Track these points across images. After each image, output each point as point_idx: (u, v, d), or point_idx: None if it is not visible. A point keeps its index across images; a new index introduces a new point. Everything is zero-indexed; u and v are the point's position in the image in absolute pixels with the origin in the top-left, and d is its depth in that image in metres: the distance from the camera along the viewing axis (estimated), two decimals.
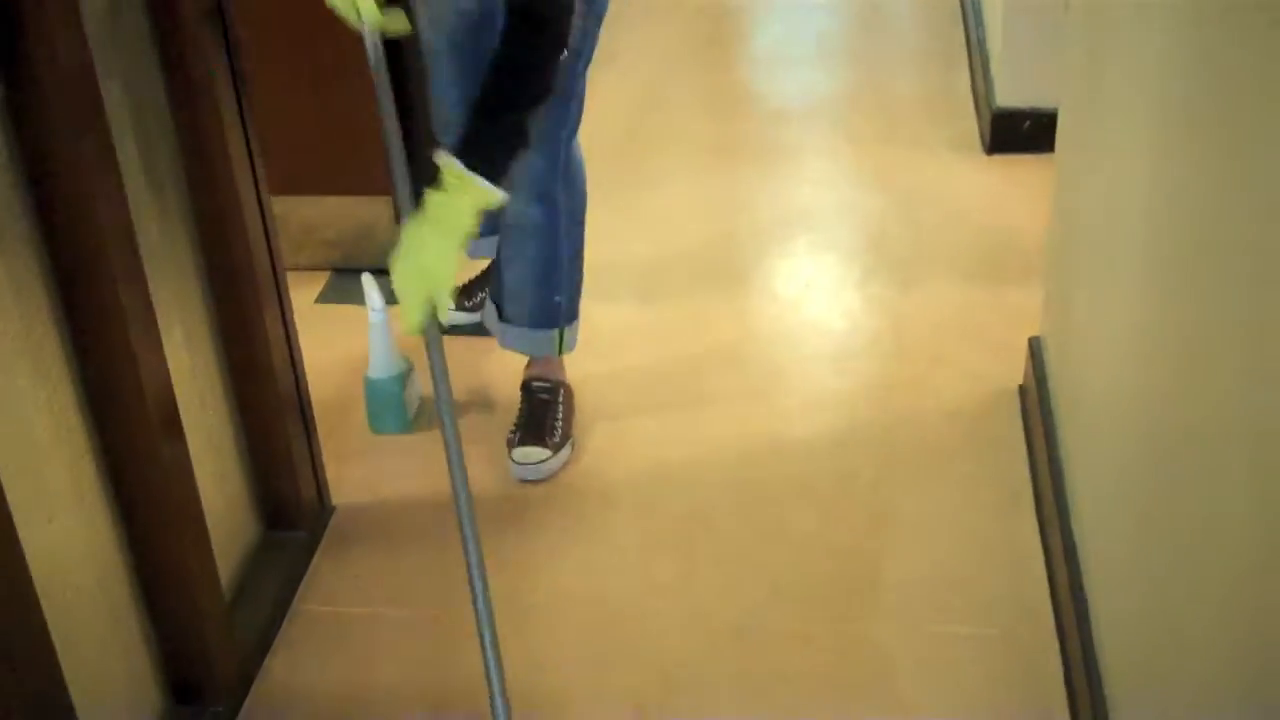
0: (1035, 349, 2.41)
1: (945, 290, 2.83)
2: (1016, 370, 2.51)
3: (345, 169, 2.85)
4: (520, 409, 2.44)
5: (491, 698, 1.64)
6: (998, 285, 2.82)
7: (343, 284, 2.87)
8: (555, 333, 2.43)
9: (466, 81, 2.24)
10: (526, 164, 2.14)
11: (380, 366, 2.43)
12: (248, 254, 1.95)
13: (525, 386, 2.48)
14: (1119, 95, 1.83)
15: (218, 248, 1.93)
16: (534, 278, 2.38)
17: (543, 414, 2.43)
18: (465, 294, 2.73)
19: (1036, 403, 2.30)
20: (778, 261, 3.01)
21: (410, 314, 1.76)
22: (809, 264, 3.00)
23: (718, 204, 3.23)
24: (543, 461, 2.36)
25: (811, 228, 3.13)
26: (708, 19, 4.27)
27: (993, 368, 2.55)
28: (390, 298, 2.43)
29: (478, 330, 2.59)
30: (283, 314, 2.07)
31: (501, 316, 2.44)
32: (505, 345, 2.47)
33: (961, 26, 3.98)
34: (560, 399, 2.45)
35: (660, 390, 2.57)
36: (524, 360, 2.50)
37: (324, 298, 2.88)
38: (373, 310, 2.39)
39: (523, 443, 2.37)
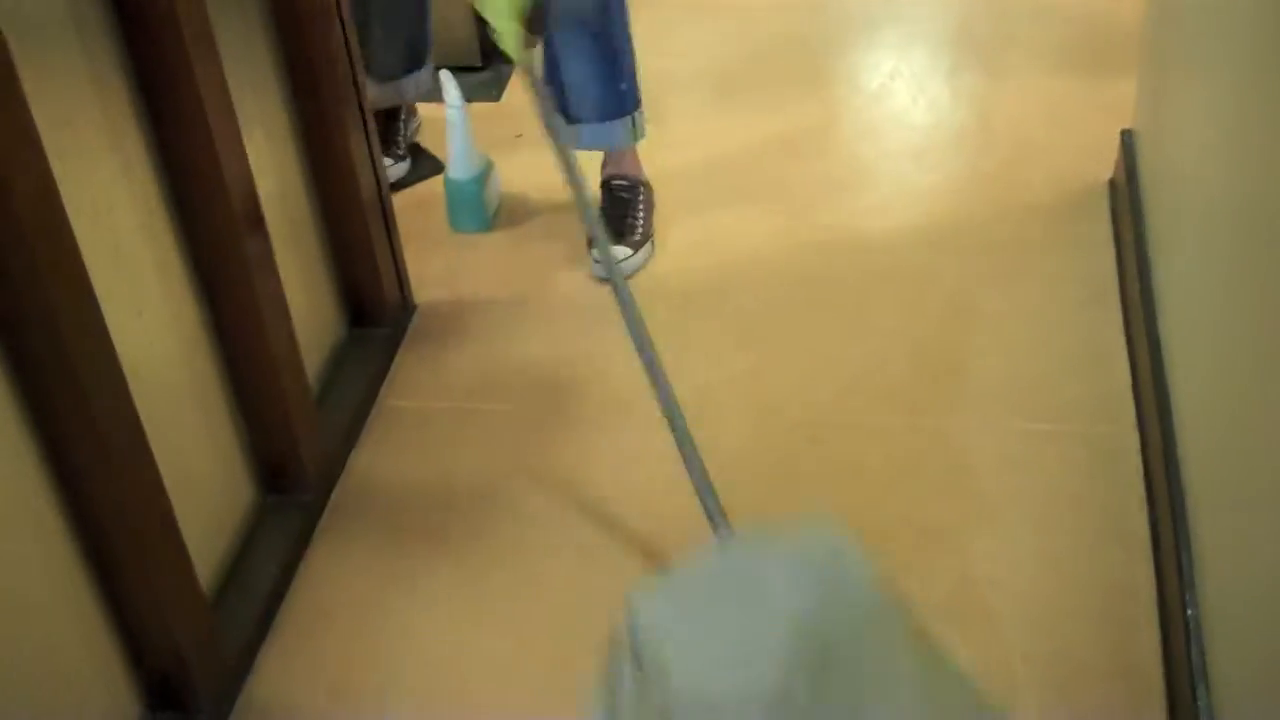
0: (1127, 142, 2.35)
1: (1035, 81, 2.75)
2: (1107, 164, 2.45)
3: None
4: (600, 208, 2.44)
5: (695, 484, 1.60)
6: (1090, 76, 2.73)
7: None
8: (629, 119, 2.42)
9: None
10: None
11: (459, 166, 2.42)
12: (326, 50, 1.93)
13: (605, 185, 2.47)
14: None
15: (296, 44, 1.91)
16: (598, 70, 2.36)
17: (623, 211, 2.43)
18: (388, 144, 2.66)
19: (1126, 197, 2.25)
20: (862, 53, 2.94)
21: (506, 40, 1.76)
22: (895, 55, 2.92)
23: None
24: (624, 260, 2.36)
25: (898, 16, 3.04)
26: None
27: (1083, 161, 2.49)
28: (469, 95, 2.43)
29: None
30: (362, 111, 2.06)
31: (570, 118, 2.41)
32: (581, 146, 2.43)
33: None
34: (640, 196, 2.44)
35: (740, 185, 2.55)
36: (599, 160, 2.48)
37: None
38: (451, 108, 2.37)
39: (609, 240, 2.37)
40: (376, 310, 2.19)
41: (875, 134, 2.66)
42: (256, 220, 1.72)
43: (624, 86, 2.39)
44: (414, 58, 2.60)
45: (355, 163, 2.04)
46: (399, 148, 2.65)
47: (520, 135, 2.70)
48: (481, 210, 2.46)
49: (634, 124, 2.43)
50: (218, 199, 1.64)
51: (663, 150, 2.46)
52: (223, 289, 1.72)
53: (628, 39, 2.38)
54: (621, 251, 2.36)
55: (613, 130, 2.42)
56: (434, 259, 2.42)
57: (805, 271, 2.34)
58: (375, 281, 2.16)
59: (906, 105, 2.74)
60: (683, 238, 2.44)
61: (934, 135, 2.65)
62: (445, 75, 2.38)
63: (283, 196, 1.94)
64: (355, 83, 2.03)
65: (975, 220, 2.41)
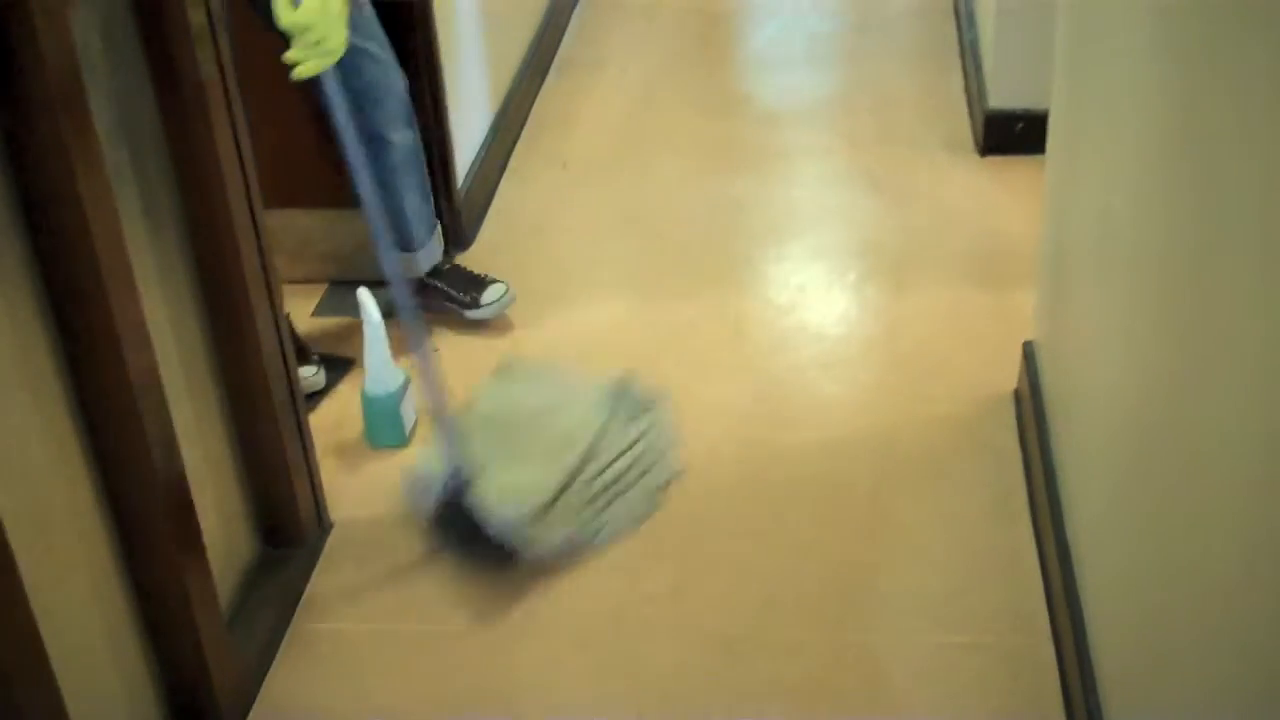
0: (1029, 353, 2.42)
1: (940, 293, 2.84)
2: (1011, 375, 2.52)
3: (341, 182, 2.85)
4: (442, 289, 2.77)
5: None
6: (992, 288, 2.83)
7: (339, 297, 2.88)
8: (439, 228, 2.78)
9: None
10: (395, 92, 2.54)
11: (377, 381, 2.43)
12: (241, 269, 1.95)
13: (435, 274, 2.77)
14: (1107, 96, 1.84)
15: (212, 264, 1.94)
16: (423, 194, 2.70)
17: (465, 272, 2.79)
18: (304, 352, 2.66)
19: (1031, 408, 2.31)
20: (772, 265, 3.02)
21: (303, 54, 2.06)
22: (803, 267, 3.00)
23: (711, 206, 3.23)
24: (507, 289, 2.75)
25: (805, 230, 3.14)
26: (702, 20, 4.27)
27: (988, 372, 2.56)
28: (386, 311, 2.46)
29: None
30: (278, 329, 2.08)
31: (411, 248, 2.71)
32: (422, 269, 2.75)
33: (954, 28, 3.98)
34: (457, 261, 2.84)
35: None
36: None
37: (320, 311, 2.88)
38: (369, 324, 2.39)
39: (481, 290, 2.76)
40: (292, 529, 2.17)
41: (786, 347, 2.72)
42: (169, 445, 1.71)
43: (431, 198, 2.74)
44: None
45: (271, 380, 2.05)
46: (312, 354, 2.65)
47: (438, 350, 2.72)
48: (399, 425, 2.47)
49: (441, 231, 2.79)
50: (130, 424, 1.63)
51: (573, 354, 2.49)
52: (134, 515, 1.70)
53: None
54: (500, 288, 2.76)
55: (437, 243, 2.77)
56: (351, 475, 2.41)
57: (721, 484, 2.36)
58: (290, 502, 2.14)
59: (816, 318, 2.81)
60: None
61: (843, 347, 2.71)
62: (364, 292, 2.41)
63: (197, 417, 1.94)
64: (271, 298, 2.05)
65: (886, 431, 2.46)
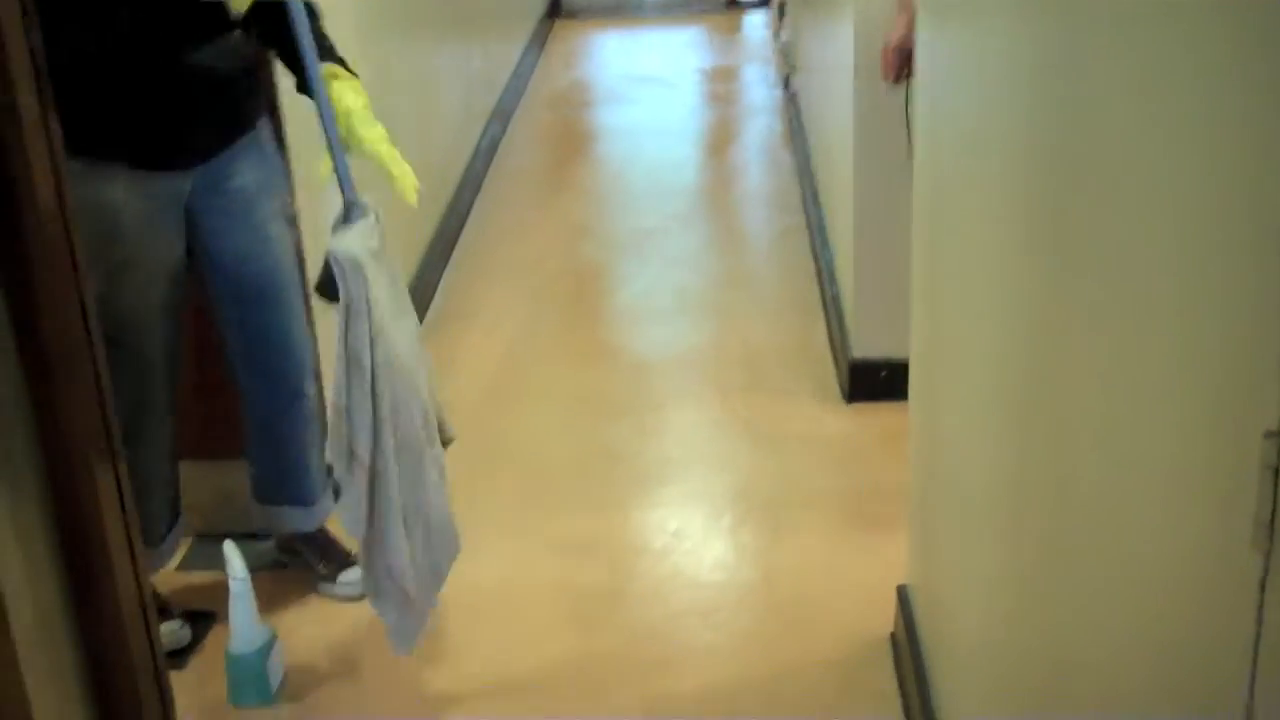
0: (904, 596, 2.43)
1: (814, 538, 2.86)
2: (887, 619, 2.52)
3: (207, 434, 2.82)
4: (306, 556, 2.71)
5: None
6: (865, 533, 2.85)
7: (204, 550, 2.80)
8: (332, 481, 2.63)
9: None
10: (307, 344, 2.55)
11: (241, 639, 2.36)
12: (100, 522, 1.89)
13: (306, 537, 2.70)
14: (960, 343, 1.90)
15: (69, 515, 1.87)
16: (321, 447, 2.56)
17: (333, 545, 2.71)
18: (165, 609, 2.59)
19: (908, 651, 2.31)
20: (646, 512, 3.02)
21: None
22: (677, 514, 3.01)
23: (584, 454, 3.25)
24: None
25: (679, 477, 3.16)
26: (571, 276, 4.37)
27: (865, 616, 2.56)
28: (253, 564, 2.40)
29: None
30: (138, 584, 2.01)
31: (309, 502, 2.66)
32: (317, 525, 2.71)
33: (816, 282, 4.13)
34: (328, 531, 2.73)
35: (528, 654, 2.53)
36: None
37: (186, 565, 2.80)
38: (234, 579, 2.33)
39: (343, 568, 2.66)
40: None
41: (661, 595, 2.70)
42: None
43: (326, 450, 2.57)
44: (174, 515, 2.61)
45: (132, 643, 1.96)
46: (173, 610, 2.57)
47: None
48: (264, 684, 2.38)
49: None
50: None
51: (453, 613, 2.43)
52: None
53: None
54: (356, 571, 2.53)
55: (330, 498, 2.66)
56: None
57: None
58: None
59: (692, 564, 2.81)
60: (473, 706, 2.39)
61: (720, 593, 2.70)
62: (229, 545, 2.35)
63: (52, 678, 1.84)
64: (132, 554, 1.99)
65: (768, 679, 2.43)
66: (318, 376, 2.63)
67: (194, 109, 2.29)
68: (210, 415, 2.80)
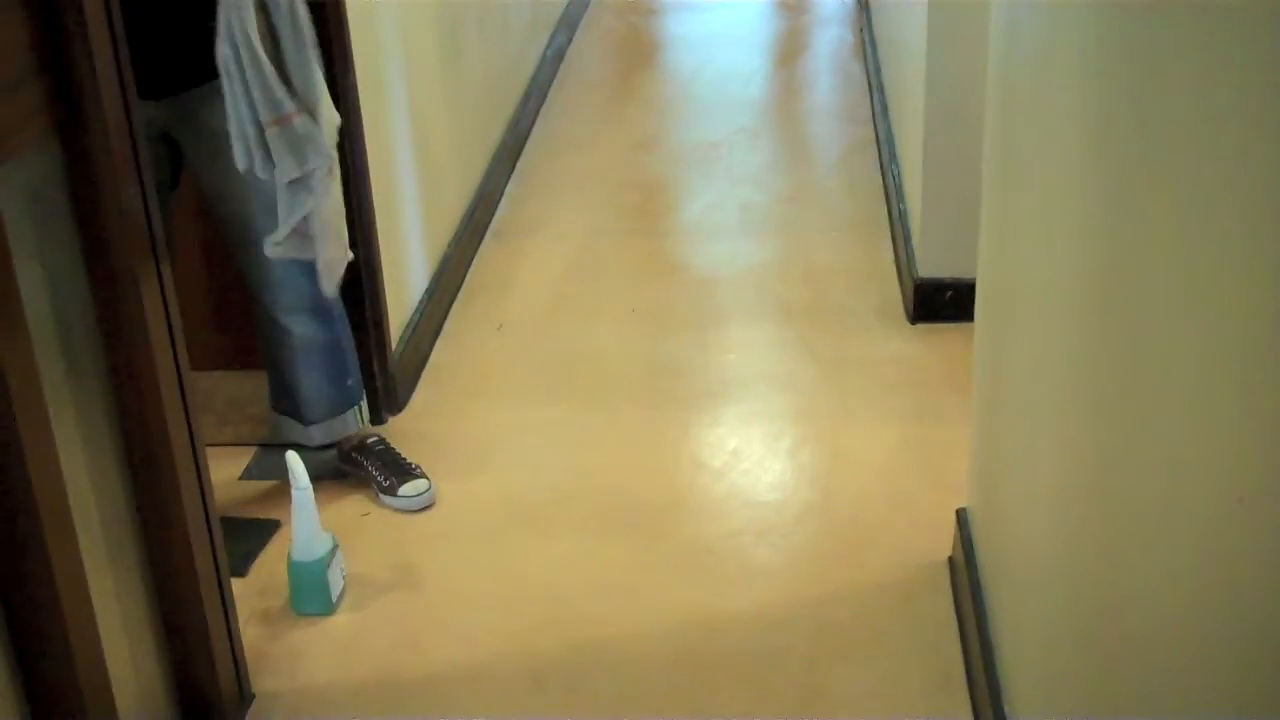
0: (963, 520, 2.42)
1: (874, 460, 2.84)
2: (946, 542, 2.51)
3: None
4: (365, 468, 2.73)
5: None
6: (925, 456, 2.83)
7: (268, 460, 2.83)
8: (355, 408, 2.73)
9: None
10: (294, 286, 2.51)
11: (303, 547, 2.39)
12: (167, 433, 1.92)
13: (359, 450, 2.74)
14: (1031, 267, 1.87)
15: (136, 428, 1.90)
16: (330, 379, 2.67)
17: (395, 457, 2.74)
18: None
19: (965, 576, 2.30)
20: (706, 430, 3.02)
21: None
22: (737, 432, 3.00)
23: (645, 371, 3.24)
24: (429, 489, 2.69)
25: (739, 396, 3.15)
26: (636, 190, 4.34)
27: (923, 540, 2.55)
28: (315, 473, 2.42)
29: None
30: (202, 494, 2.04)
31: (306, 421, 2.69)
32: (316, 443, 2.70)
33: (884, 200, 4.07)
34: (390, 443, 2.78)
35: (586, 565, 2.55)
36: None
37: (248, 474, 2.84)
38: (297, 488, 2.35)
39: (404, 480, 2.70)
40: (211, 701, 2.09)
41: (720, 514, 2.70)
42: (84, 611, 1.66)
43: (350, 382, 2.70)
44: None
45: (194, 546, 2.00)
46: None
47: (367, 514, 2.68)
48: (325, 593, 2.41)
49: (359, 410, 2.73)
50: (44, 591, 1.58)
51: (514, 524, 2.45)
52: (45, 684, 1.64)
53: (349, 335, 2.69)
54: (423, 483, 2.70)
55: (346, 420, 2.72)
56: (274, 643, 2.35)
57: (656, 657, 2.31)
58: (211, 673, 2.07)
59: (750, 484, 2.80)
60: (535, 617, 2.41)
61: (778, 514, 2.70)
62: (292, 455, 2.37)
63: (115, 583, 1.88)
64: (196, 462, 2.01)
65: (822, 601, 2.43)
66: (320, 313, 2.61)
67: (161, 38, 2.30)
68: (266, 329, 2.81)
